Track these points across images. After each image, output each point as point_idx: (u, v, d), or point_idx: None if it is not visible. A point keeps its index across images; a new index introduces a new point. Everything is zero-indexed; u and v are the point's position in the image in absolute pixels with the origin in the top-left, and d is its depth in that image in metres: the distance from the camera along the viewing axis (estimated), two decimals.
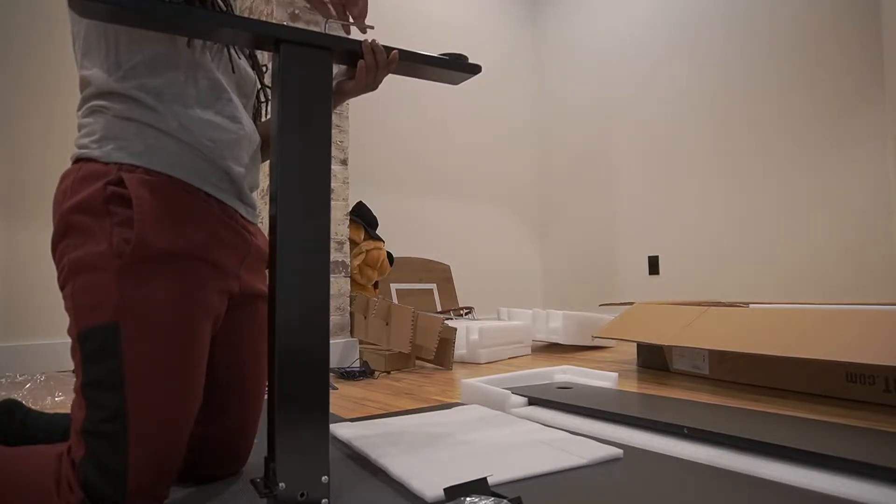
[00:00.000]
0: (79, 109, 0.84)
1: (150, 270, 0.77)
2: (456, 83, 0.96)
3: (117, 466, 0.71)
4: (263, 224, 2.21)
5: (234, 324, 0.92)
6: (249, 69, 0.98)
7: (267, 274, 0.99)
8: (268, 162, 2.11)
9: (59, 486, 0.72)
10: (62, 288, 0.79)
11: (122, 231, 0.76)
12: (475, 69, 0.93)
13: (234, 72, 0.91)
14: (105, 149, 0.80)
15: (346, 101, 2.44)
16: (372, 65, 0.88)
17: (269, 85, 1.00)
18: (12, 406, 1.00)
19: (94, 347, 0.74)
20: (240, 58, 0.94)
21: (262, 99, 1.05)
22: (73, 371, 0.77)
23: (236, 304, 0.92)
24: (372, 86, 0.92)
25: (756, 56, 3.05)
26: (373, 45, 0.87)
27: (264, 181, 2.30)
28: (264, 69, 1.05)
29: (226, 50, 0.90)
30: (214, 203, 0.86)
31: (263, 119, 1.08)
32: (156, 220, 0.78)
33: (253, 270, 0.94)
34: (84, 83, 0.83)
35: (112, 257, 0.75)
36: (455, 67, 0.91)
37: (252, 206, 0.95)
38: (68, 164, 0.94)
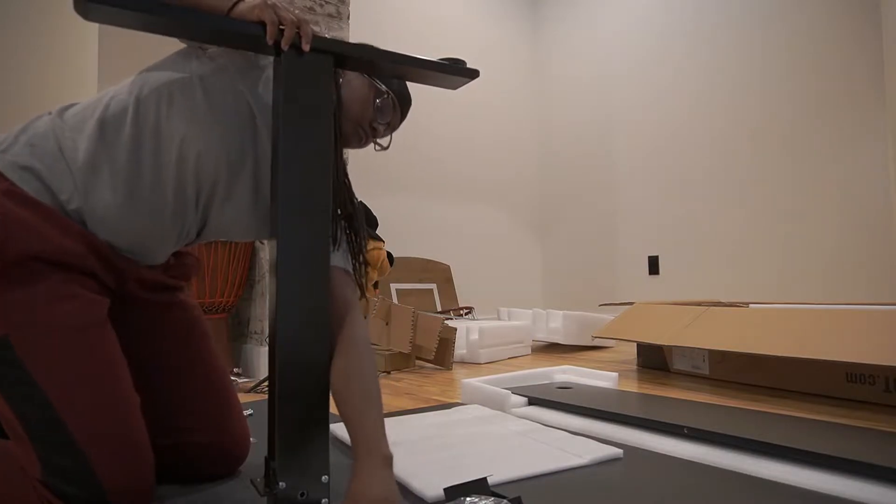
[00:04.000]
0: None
1: (21, 277, 0.74)
2: (455, 88, 0.95)
3: (80, 471, 0.71)
4: None
5: (158, 335, 0.91)
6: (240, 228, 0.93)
7: (178, 283, 0.96)
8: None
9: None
10: None
11: None
12: (473, 74, 0.92)
13: (208, 223, 0.89)
14: None
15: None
16: None
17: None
18: None
19: None
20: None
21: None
22: None
23: (142, 314, 0.90)
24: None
25: (756, 56, 3.05)
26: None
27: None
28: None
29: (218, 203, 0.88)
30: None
31: None
32: (17, 226, 0.74)
33: (145, 284, 0.91)
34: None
35: None
36: (454, 72, 0.91)
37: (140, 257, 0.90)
38: None
